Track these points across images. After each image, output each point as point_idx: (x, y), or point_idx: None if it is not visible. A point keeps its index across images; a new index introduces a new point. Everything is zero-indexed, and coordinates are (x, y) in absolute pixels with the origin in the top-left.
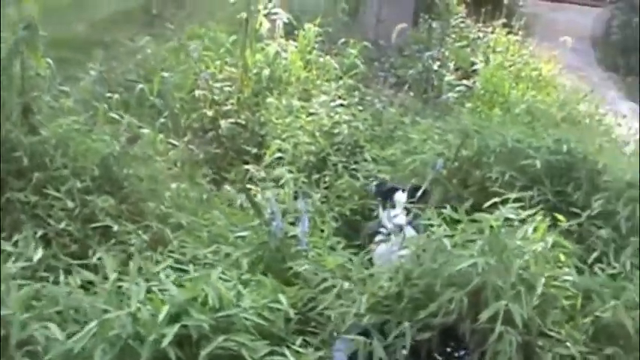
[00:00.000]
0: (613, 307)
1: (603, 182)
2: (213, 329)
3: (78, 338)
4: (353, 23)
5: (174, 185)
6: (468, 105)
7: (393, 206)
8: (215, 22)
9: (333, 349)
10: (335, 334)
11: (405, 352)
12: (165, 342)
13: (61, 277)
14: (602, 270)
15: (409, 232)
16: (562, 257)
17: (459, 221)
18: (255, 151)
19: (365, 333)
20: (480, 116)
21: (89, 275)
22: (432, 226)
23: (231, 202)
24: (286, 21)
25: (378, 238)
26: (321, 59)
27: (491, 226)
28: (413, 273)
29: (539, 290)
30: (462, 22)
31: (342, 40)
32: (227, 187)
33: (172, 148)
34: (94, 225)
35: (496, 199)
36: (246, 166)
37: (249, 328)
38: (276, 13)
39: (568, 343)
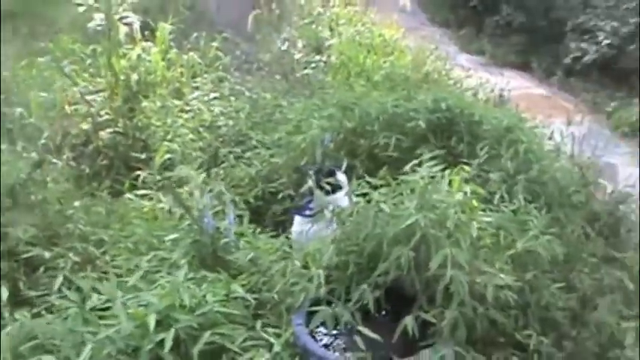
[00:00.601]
0: (530, 238)
1: (483, 131)
2: (196, 328)
3: None
4: (198, 16)
5: (77, 203)
6: (328, 79)
7: (339, 187)
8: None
9: (294, 324)
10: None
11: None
12: (166, 347)
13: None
14: (506, 207)
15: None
16: (475, 203)
17: (376, 187)
18: (143, 156)
19: (317, 304)
20: (346, 88)
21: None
22: (364, 195)
23: (138, 209)
24: (139, 24)
25: (299, 219)
26: (185, 56)
27: (421, 186)
28: (355, 240)
29: (474, 234)
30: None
31: (195, 34)
32: (128, 195)
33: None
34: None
35: (415, 161)
36: (138, 172)
37: (222, 320)
38: (127, 17)
39: (502, 275)
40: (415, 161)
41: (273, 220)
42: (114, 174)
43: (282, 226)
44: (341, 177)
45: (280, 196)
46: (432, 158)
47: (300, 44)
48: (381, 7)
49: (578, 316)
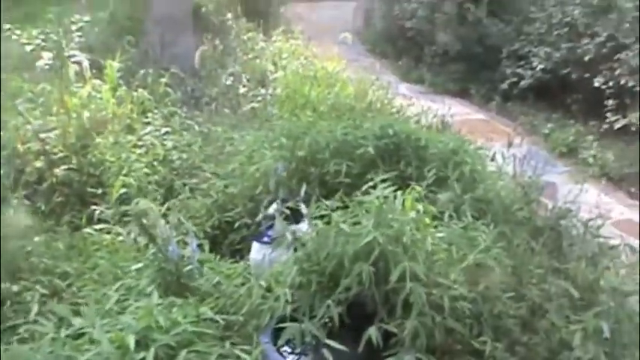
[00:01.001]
0: (481, 251)
1: (430, 155)
2: (173, 347)
3: None
4: (143, 54)
5: (36, 239)
6: (275, 111)
7: (302, 218)
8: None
9: (262, 342)
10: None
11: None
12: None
13: None
14: (455, 224)
15: None
16: (427, 220)
17: (333, 209)
18: (99, 191)
19: (282, 322)
20: (293, 119)
21: None
22: (322, 217)
23: (97, 242)
24: (88, 62)
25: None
26: (135, 93)
27: (376, 205)
28: (316, 260)
29: (429, 248)
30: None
31: (142, 71)
32: (87, 230)
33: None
34: None
35: (370, 183)
36: (93, 207)
37: (195, 339)
38: (75, 55)
39: (456, 286)
40: (370, 183)
41: (230, 249)
42: (69, 210)
43: (239, 254)
44: (304, 208)
45: (237, 225)
46: (383, 181)
47: (244, 79)
48: (321, 40)
49: (528, 323)
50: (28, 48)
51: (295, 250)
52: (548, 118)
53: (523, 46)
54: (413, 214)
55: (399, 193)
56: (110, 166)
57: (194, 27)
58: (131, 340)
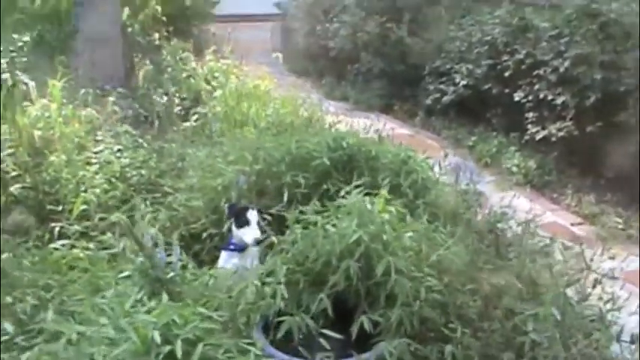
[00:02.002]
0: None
1: (381, 165)
2: (192, 340)
3: None
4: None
5: (4, 255)
6: (215, 129)
7: (247, 223)
8: None
9: (256, 338)
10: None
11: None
12: (178, 353)
13: None
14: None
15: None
16: (398, 220)
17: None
18: (60, 208)
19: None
20: (237, 135)
21: None
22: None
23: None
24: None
25: (224, 253)
26: (83, 112)
27: (357, 208)
28: (303, 260)
29: (408, 244)
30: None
31: (83, 90)
32: (54, 245)
33: None
34: None
35: (347, 189)
36: (53, 224)
37: (204, 335)
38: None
39: (429, 278)
40: (347, 188)
41: (197, 259)
42: (27, 227)
43: (203, 264)
44: (251, 213)
45: (204, 235)
46: (357, 187)
47: (177, 98)
48: (247, 59)
49: (484, 312)
50: None
51: (265, 256)
52: (471, 132)
53: (444, 63)
54: (386, 215)
55: (367, 198)
56: (66, 183)
57: (124, 48)
58: (156, 335)
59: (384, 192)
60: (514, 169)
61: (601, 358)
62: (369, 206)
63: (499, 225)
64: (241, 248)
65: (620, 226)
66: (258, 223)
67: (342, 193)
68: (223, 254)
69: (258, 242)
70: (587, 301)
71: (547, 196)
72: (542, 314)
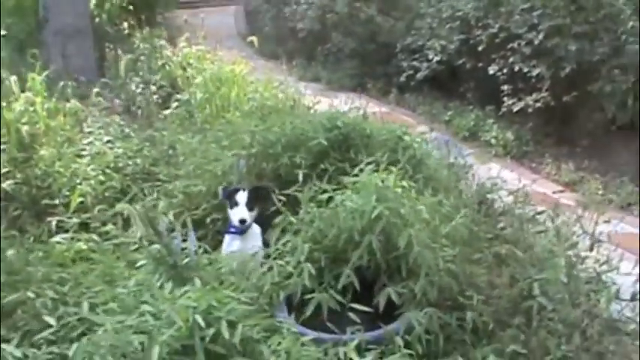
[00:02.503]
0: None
1: (376, 142)
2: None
3: None
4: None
5: (10, 252)
6: (199, 114)
7: (237, 204)
8: None
9: (281, 317)
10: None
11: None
12: (225, 334)
13: None
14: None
15: (254, 228)
16: (413, 194)
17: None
18: (56, 201)
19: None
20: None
21: None
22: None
23: (72, 249)
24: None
25: (227, 237)
26: (68, 105)
27: (375, 184)
28: (322, 237)
29: (426, 216)
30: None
31: (62, 83)
32: (57, 238)
33: None
34: None
35: (361, 166)
36: (49, 218)
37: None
38: None
39: (445, 248)
40: (361, 166)
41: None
42: (26, 223)
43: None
44: (240, 195)
45: (207, 221)
46: (368, 164)
47: (153, 86)
48: (210, 45)
49: (491, 280)
50: None
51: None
52: (446, 106)
53: (416, 40)
54: (399, 189)
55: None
56: (59, 177)
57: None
58: (199, 319)
59: (393, 168)
60: (492, 141)
61: (605, 317)
62: (380, 182)
63: (488, 196)
64: (241, 230)
65: (600, 192)
66: (249, 204)
67: (356, 170)
68: (226, 238)
69: (242, 222)
70: (584, 264)
71: (526, 166)
72: (553, 278)
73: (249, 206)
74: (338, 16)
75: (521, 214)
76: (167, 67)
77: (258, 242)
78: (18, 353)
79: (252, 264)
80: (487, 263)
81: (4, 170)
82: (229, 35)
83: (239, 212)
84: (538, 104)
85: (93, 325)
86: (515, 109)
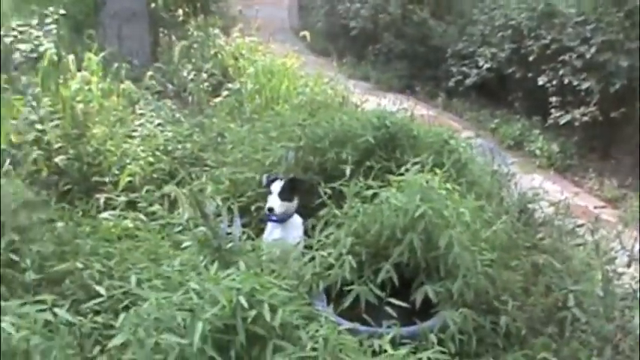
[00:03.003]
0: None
1: (422, 144)
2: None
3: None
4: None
5: (59, 224)
6: (249, 104)
7: (271, 193)
8: None
9: (319, 307)
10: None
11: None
12: (267, 317)
13: None
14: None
15: (295, 218)
16: (457, 196)
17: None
18: (106, 179)
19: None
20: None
21: None
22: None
23: (119, 226)
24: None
25: (270, 225)
26: (122, 86)
27: (420, 183)
28: (364, 233)
29: (468, 219)
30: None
31: (115, 65)
32: (105, 214)
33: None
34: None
35: (407, 166)
36: (97, 195)
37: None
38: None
39: (484, 252)
40: (407, 165)
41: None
42: (74, 198)
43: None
44: (275, 184)
45: (252, 208)
46: (414, 164)
47: (205, 74)
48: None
49: (527, 288)
50: (7, 40)
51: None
52: (493, 114)
53: (467, 46)
54: (443, 191)
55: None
56: (110, 155)
57: (150, 22)
58: (242, 300)
59: (439, 170)
60: (537, 151)
61: (638, 333)
62: (424, 183)
63: (529, 205)
64: (281, 219)
65: None
66: (283, 194)
67: (402, 169)
68: (268, 226)
69: (269, 210)
70: (620, 280)
71: (569, 179)
72: (589, 291)
73: (282, 196)
74: (390, 17)
75: (560, 226)
76: (219, 56)
77: (299, 233)
78: (69, 317)
79: (294, 253)
80: (524, 271)
81: (57, 145)
82: (282, 29)
83: (269, 201)
84: (585, 118)
85: (137, 300)
86: (562, 121)
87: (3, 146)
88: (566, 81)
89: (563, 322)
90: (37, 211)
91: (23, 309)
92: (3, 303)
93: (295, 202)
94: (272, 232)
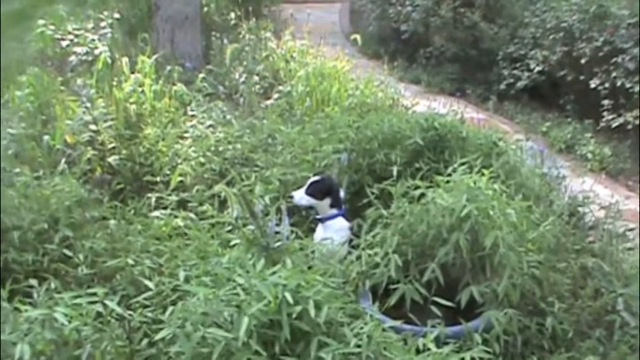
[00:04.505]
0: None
1: (470, 146)
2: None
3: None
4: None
5: (112, 222)
6: (300, 107)
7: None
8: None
9: (364, 305)
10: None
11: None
12: (312, 313)
13: None
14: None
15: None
16: (504, 198)
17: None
18: (158, 179)
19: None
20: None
21: None
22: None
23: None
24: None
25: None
26: (174, 88)
27: (466, 184)
28: (410, 232)
29: (515, 220)
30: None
31: (168, 68)
32: (156, 213)
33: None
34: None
35: (454, 166)
36: (149, 195)
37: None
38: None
39: (531, 254)
40: (455, 166)
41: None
42: (126, 197)
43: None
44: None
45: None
46: (462, 164)
47: (256, 76)
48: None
49: (574, 291)
50: (64, 43)
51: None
52: (544, 117)
53: (518, 49)
54: (490, 192)
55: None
56: (161, 156)
57: (202, 27)
58: (288, 296)
59: (486, 171)
60: (589, 155)
61: None
62: (471, 183)
63: (580, 209)
64: (322, 219)
65: None
66: (308, 189)
67: (449, 170)
68: (320, 226)
69: (290, 197)
70: None
71: (621, 183)
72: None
73: (308, 191)
74: (442, 20)
75: (611, 229)
76: (270, 59)
77: (343, 235)
78: (119, 310)
79: (340, 253)
80: (572, 274)
81: (110, 146)
82: (333, 32)
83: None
84: (638, 121)
85: (185, 295)
86: (615, 124)
87: (58, 146)
88: (618, 83)
89: (612, 325)
90: (90, 209)
91: (75, 301)
92: (56, 295)
93: (327, 202)
94: (318, 231)
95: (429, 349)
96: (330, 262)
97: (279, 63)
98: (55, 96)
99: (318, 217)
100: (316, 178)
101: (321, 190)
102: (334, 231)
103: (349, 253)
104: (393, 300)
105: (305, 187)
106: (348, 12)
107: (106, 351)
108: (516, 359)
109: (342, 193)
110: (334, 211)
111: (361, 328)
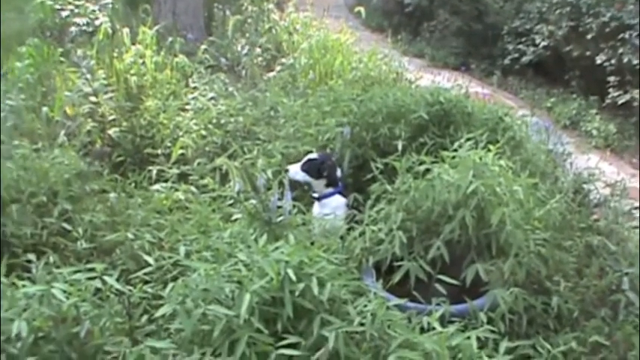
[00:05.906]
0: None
1: (475, 121)
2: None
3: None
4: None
5: (112, 195)
6: (303, 79)
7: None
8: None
9: (367, 282)
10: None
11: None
12: (315, 291)
13: None
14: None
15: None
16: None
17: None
18: (159, 151)
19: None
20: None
21: None
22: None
23: (170, 198)
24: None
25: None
26: (176, 59)
27: (473, 160)
28: (418, 210)
29: (521, 197)
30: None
31: (170, 39)
32: (156, 186)
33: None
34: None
35: (461, 141)
36: (150, 167)
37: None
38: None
39: (537, 231)
40: (461, 141)
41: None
42: (127, 170)
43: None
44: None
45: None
46: (467, 139)
47: (258, 48)
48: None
49: (579, 269)
50: (64, 14)
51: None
52: (549, 93)
53: (523, 23)
54: (496, 168)
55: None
56: (162, 128)
57: None
58: (291, 273)
59: (492, 147)
60: (594, 132)
61: None
62: (477, 159)
63: (585, 186)
64: (319, 198)
65: None
66: (303, 165)
67: (455, 145)
68: (316, 203)
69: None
70: None
71: (626, 160)
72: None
73: (304, 167)
74: None
75: (616, 207)
76: (273, 31)
77: (339, 212)
78: (118, 285)
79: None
80: (577, 252)
81: (110, 117)
82: (336, 5)
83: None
84: None
85: (186, 271)
86: (621, 101)
87: (58, 118)
88: (625, 60)
89: (617, 305)
90: (90, 182)
91: (74, 277)
92: (55, 270)
93: (322, 181)
94: (314, 209)
95: (433, 328)
96: (330, 238)
97: (282, 35)
98: (55, 67)
99: (314, 195)
100: (314, 155)
101: (317, 169)
102: (331, 209)
103: (350, 229)
104: (397, 277)
105: (301, 162)
106: None
107: (105, 327)
108: (521, 339)
109: (339, 172)
110: (330, 189)
111: (365, 305)
